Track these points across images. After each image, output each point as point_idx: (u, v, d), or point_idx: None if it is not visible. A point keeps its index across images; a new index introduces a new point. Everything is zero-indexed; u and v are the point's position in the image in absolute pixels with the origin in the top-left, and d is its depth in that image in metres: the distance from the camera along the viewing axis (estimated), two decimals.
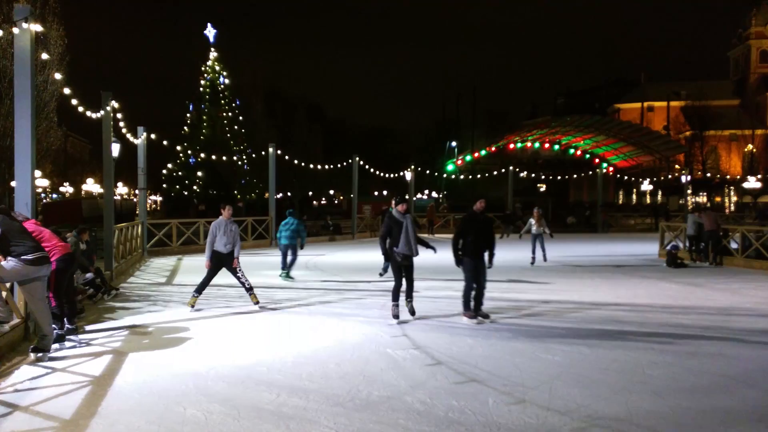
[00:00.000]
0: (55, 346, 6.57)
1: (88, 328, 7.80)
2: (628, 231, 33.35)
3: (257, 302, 9.17)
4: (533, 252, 15.29)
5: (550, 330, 7.73)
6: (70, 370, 5.92)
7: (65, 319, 6.99)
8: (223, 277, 13.27)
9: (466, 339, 7.16)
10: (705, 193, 54.09)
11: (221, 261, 9.16)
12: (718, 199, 52.82)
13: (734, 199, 55.41)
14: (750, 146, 57.37)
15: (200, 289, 9.20)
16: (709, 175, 54.40)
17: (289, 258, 12.76)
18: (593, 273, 14.19)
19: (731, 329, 7.81)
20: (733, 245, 16.14)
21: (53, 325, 6.58)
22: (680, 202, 40.83)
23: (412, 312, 8.25)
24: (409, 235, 8.14)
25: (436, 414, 4.65)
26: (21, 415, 4.68)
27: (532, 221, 15.50)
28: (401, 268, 8.19)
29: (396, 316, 8.11)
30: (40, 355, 6.16)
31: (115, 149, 14.70)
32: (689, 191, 39.74)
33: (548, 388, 5.25)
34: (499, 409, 4.77)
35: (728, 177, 55.12)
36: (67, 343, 6.82)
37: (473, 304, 8.14)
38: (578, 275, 13.74)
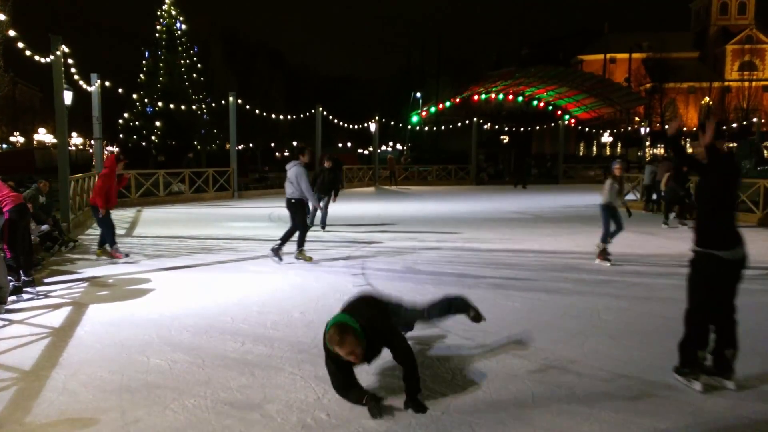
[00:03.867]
0: (12, 298, 6.43)
1: (45, 280, 7.64)
2: (588, 182, 34.07)
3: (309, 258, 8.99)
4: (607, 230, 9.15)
5: (510, 278, 7.93)
6: (29, 321, 5.81)
7: (21, 271, 6.82)
8: (187, 228, 13.13)
9: (429, 287, 7.27)
10: (663, 145, 55.30)
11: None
12: None
13: (690, 150, 56.91)
14: (707, 99, 58.62)
15: (302, 242, 9.02)
16: (667, 127, 55.58)
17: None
18: (553, 223, 14.51)
19: (683, 275, 8.12)
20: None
21: (9, 278, 6.42)
22: (638, 153, 41.75)
23: None
24: None
25: None
26: None
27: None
28: None
29: None
30: None
31: (68, 97, 14.09)
32: (648, 143, 40.53)
33: (507, 333, 5.41)
34: (460, 352, 4.90)
35: (685, 129, 56.41)
36: (25, 295, 6.67)
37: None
38: (539, 225, 14.04)
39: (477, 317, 4.79)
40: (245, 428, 3.57)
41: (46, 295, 6.84)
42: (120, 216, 15.75)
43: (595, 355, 4.85)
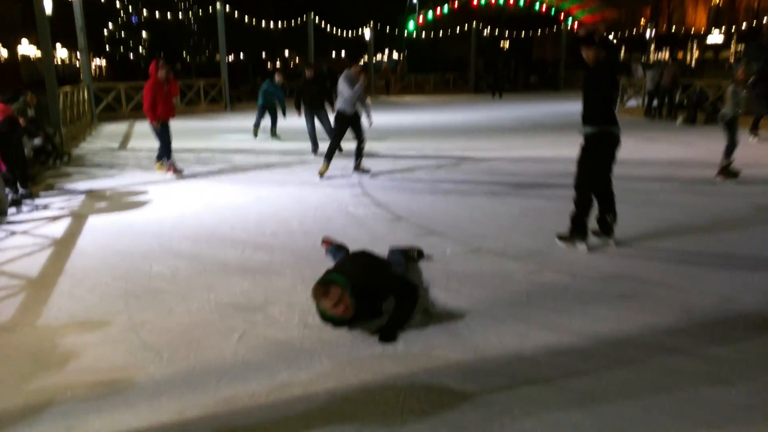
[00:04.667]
0: (12, 210, 6.45)
1: (43, 193, 7.63)
2: None
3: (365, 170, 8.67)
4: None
5: (508, 185, 7.94)
6: (31, 232, 5.87)
7: (18, 183, 6.82)
8: (181, 141, 12.97)
9: (426, 196, 7.31)
10: (668, 48, 53.74)
11: (348, 122, 8.43)
12: (680, 54, 52.60)
13: (696, 54, 55.42)
14: None
15: (331, 154, 8.53)
16: (674, 29, 53.63)
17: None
18: (552, 130, 14.36)
19: (680, 179, 8.17)
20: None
21: (6, 190, 6.42)
22: (642, 59, 40.70)
23: None
24: None
25: None
26: None
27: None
28: None
29: None
30: None
31: (48, 5, 13.46)
32: (653, 47, 39.37)
33: (504, 238, 5.49)
34: (456, 257, 4.99)
35: (692, 31, 54.57)
36: (24, 207, 6.70)
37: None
38: (538, 133, 13.91)
39: (419, 253, 4.90)
40: (249, 328, 3.68)
41: (45, 208, 6.86)
42: (112, 130, 15.55)
43: (590, 257, 4.94)
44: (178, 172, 8.85)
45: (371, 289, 3.67)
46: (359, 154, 8.70)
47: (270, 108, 12.96)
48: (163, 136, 8.71)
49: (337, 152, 8.85)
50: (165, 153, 8.87)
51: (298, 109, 10.53)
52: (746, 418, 2.71)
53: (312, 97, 10.29)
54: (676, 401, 2.84)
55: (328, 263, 4.43)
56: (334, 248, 4.87)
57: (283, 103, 12.92)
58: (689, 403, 2.83)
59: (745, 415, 2.74)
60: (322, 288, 3.55)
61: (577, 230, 5.21)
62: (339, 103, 8.34)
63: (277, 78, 13.03)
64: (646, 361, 3.21)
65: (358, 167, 8.73)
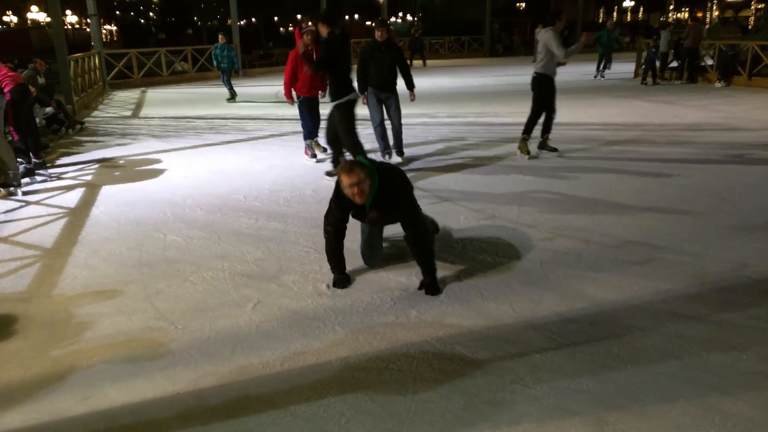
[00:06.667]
0: (26, 180, 6.51)
1: (56, 162, 7.68)
2: None
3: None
4: None
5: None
6: (45, 202, 5.93)
7: (30, 153, 6.85)
8: (194, 108, 12.95)
9: (439, 164, 7.26)
10: (687, 9, 52.15)
11: None
12: (700, 14, 51.03)
13: (716, 13, 53.73)
14: None
15: (530, 130, 7.35)
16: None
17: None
18: (567, 93, 14.08)
19: (698, 143, 8.01)
20: (709, 62, 15.99)
21: (20, 160, 6.46)
22: (661, 18, 39.53)
23: None
24: None
25: None
26: (1, 245, 4.75)
27: None
28: None
29: None
30: (11, 189, 6.11)
31: None
32: (671, 6, 38.10)
33: (517, 206, 5.44)
34: (470, 224, 4.97)
35: None
36: (38, 177, 6.75)
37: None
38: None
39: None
40: (263, 297, 3.71)
41: (58, 177, 6.91)
42: (124, 98, 15.54)
43: (604, 224, 4.89)
44: (312, 157, 7.57)
45: (393, 197, 3.61)
46: (530, 126, 7.41)
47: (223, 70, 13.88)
48: (303, 113, 7.41)
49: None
50: (304, 132, 7.59)
51: (364, 91, 7.11)
52: (757, 385, 2.69)
53: (384, 73, 7.04)
54: (686, 367, 2.83)
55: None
56: None
57: (237, 63, 13.86)
58: (700, 369, 2.82)
59: (755, 381, 2.72)
60: (348, 165, 3.55)
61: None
62: (542, 66, 7.14)
63: (221, 39, 14.04)
64: (657, 328, 3.20)
65: (545, 144, 7.55)
